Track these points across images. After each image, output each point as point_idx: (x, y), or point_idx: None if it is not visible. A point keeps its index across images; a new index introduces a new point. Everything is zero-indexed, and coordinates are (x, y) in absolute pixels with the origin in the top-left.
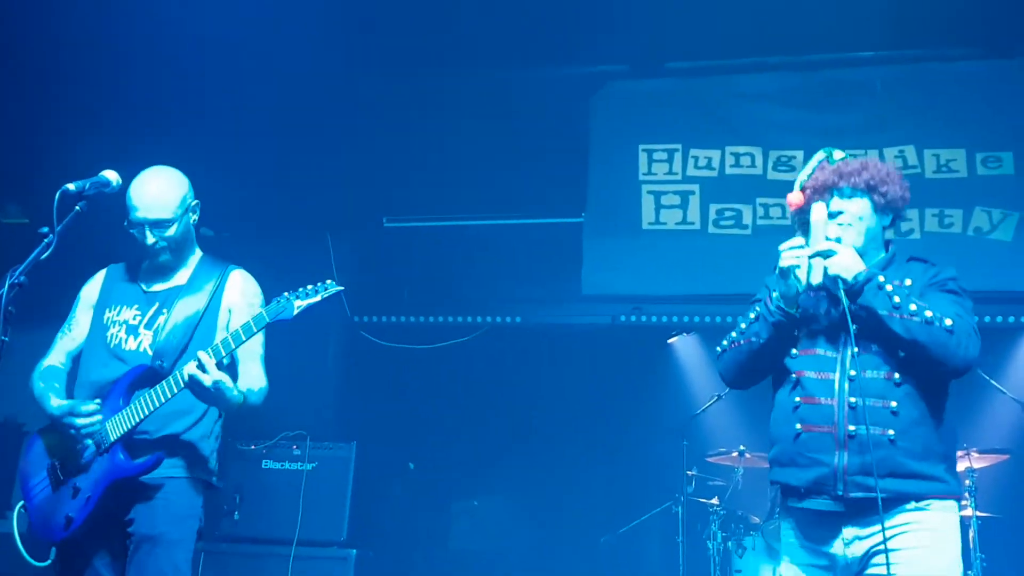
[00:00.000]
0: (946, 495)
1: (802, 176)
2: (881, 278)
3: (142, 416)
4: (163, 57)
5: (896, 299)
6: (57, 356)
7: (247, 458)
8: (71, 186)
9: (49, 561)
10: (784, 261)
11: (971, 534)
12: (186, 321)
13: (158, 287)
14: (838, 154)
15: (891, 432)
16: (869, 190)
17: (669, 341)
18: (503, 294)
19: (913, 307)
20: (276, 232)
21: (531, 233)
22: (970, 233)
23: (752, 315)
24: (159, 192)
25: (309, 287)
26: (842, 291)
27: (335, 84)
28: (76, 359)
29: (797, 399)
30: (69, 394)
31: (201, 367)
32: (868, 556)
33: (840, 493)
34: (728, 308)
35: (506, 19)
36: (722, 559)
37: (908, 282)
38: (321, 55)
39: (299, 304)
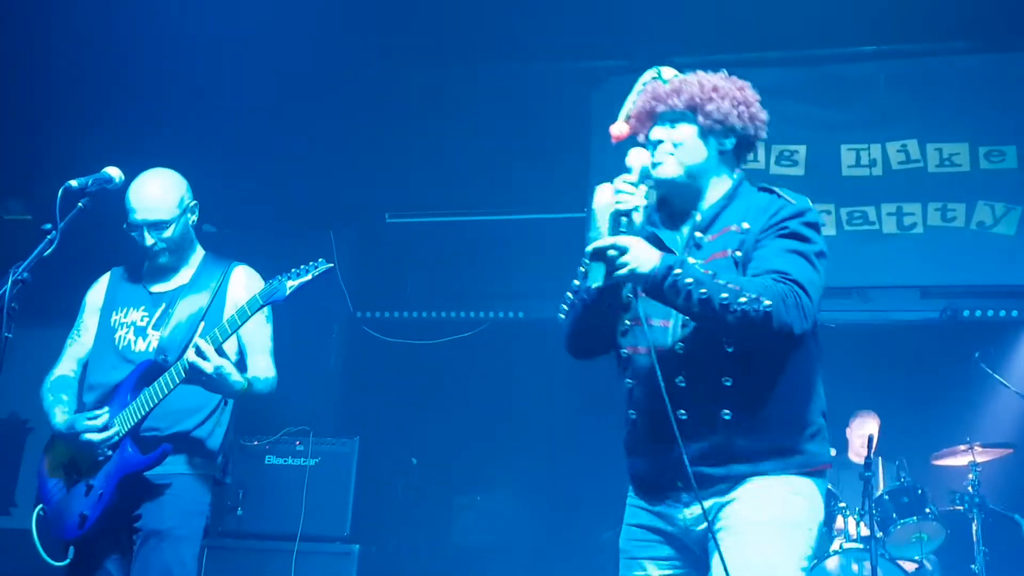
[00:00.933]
0: (803, 469)
1: (628, 104)
2: (679, 270)
3: (148, 409)
4: (166, 53)
5: (702, 291)
6: (67, 364)
7: (250, 454)
8: (74, 183)
9: (68, 560)
10: (605, 200)
11: (974, 527)
12: (190, 318)
13: (162, 287)
14: (668, 72)
15: (726, 412)
16: (692, 111)
17: None
18: (506, 289)
19: (724, 295)
20: (279, 228)
21: (534, 228)
22: (973, 227)
23: (581, 268)
24: (156, 194)
25: (301, 267)
26: (638, 291)
27: (337, 80)
28: (86, 365)
29: (629, 380)
30: (79, 400)
31: (200, 354)
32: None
33: (680, 485)
34: None
35: (508, 14)
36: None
37: (746, 225)
38: (323, 50)
39: (291, 284)
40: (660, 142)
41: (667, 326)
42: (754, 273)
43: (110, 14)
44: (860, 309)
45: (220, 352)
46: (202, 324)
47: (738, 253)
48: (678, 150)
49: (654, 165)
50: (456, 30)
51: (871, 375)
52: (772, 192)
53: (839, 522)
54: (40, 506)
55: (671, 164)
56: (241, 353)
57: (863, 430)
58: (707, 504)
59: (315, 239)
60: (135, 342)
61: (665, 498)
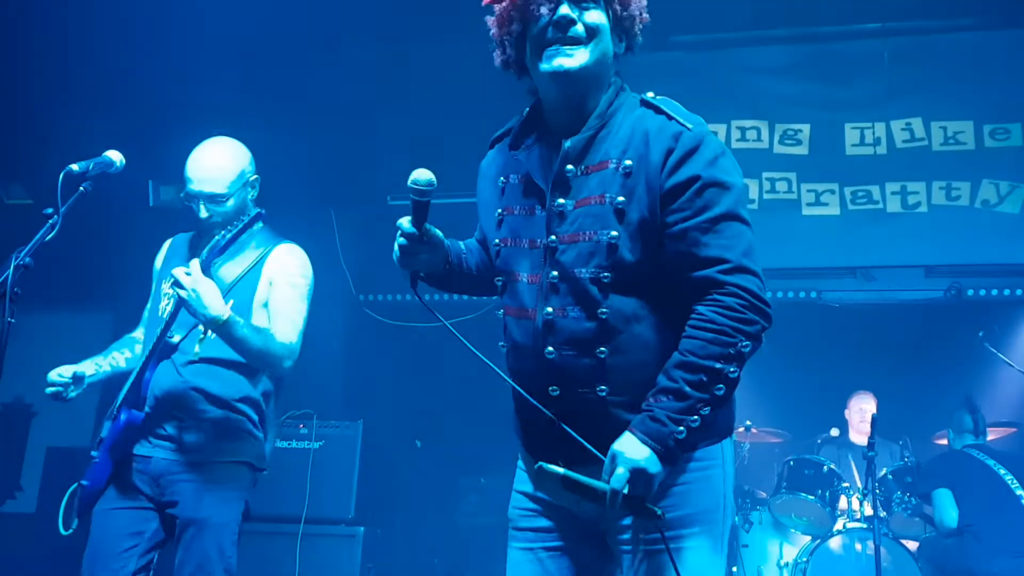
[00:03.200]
0: (702, 444)
1: None
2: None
3: (137, 373)
4: (166, 37)
5: (693, 420)
6: (140, 329)
7: None
8: (75, 167)
9: (70, 530)
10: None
11: None
12: (241, 289)
13: (212, 259)
14: None
15: (602, 388)
16: None
17: None
18: None
19: (705, 398)
20: (280, 209)
21: None
22: (978, 206)
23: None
24: (216, 165)
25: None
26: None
27: (341, 58)
28: None
29: (503, 345)
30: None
31: (186, 273)
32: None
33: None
34: None
35: None
36: (730, 534)
37: (628, 163)
38: (327, 27)
39: (228, 235)
40: (570, 21)
41: (538, 286)
42: (683, 262)
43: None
44: (864, 289)
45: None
46: (230, 300)
47: (620, 200)
48: (594, 38)
49: (560, 51)
50: (461, 8)
51: (876, 354)
52: (658, 110)
53: (842, 502)
54: (78, 482)
55: (582, 53)
56: (266, 315)
57: (863, 408)
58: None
59: (317, 221)
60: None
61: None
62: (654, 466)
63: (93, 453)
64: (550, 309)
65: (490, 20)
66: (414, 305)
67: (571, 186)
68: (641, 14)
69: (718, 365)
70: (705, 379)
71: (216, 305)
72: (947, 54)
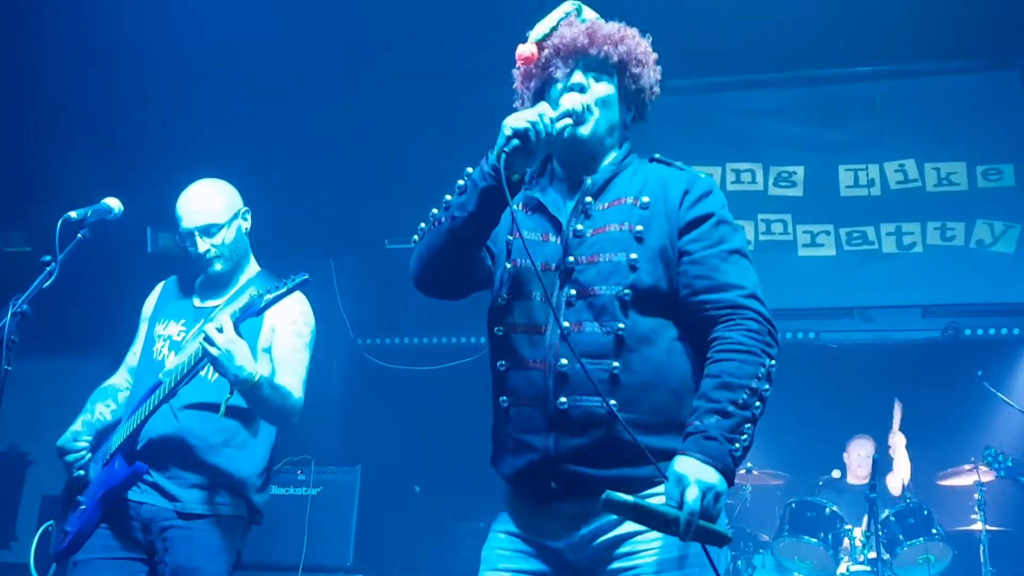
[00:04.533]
0: None
1: (542, 28)
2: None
3: (140, 421)
4: (164, 84)
5: (744, 438)
6: (121, 375)
7: None
8: (73, 214)
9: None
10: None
11: (980, 547)
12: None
13: (210, 303)
14: (589, 13)
15: (613, 402)
16: (621, 68)
17: None
18: None
19: (747, 416)
20: (278, 255)
21: None
22: (972, 245)
23: (461, 182)
24: (205, 198)
25: (280, 281)
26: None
27: (336, 106)
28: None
29: (502, 364)
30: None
31: (218, 330)
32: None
33: (553, 486)
34: None
35: (506, 38)
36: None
37: (645, 199)
38: (321, 76)
39: (268, 297)
40: (582, 89)
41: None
42: (703, 285)
43: (109, 45)
44: (862, 329)
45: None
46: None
47: (639, 228)
48: (600, 107)
49: (575, 115)
50: (454, 55)
51: (875, 394)
52: (668, 164)
53: (845, 543)
54: (50, 522)
55: (592, 121)
56: (272, 373)
57: (861, 453)
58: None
59: (315, 266)
60: (168, 357)
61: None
62: (723, 485)
63: (80, 498)
64: (567, 323)
65: (516, 74)
66: (411, 348)
67: (590, 215)
68: (652, 88)
69: (754, 384)
70: (745, 398)
71: (249, 366)
72: (938, 96)
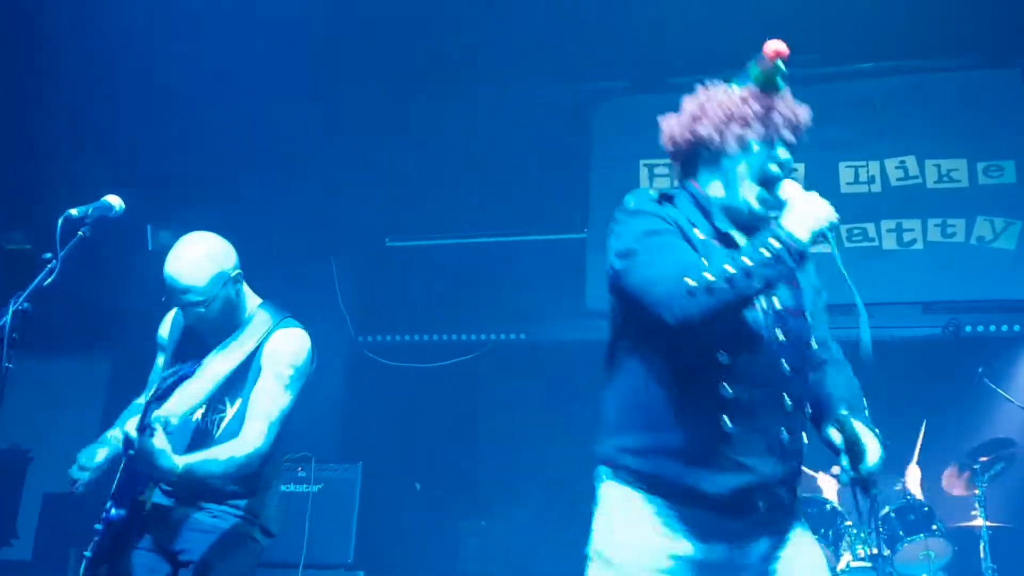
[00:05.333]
0: None
1: (778, 72)
2: None
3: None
4: (165, 83)
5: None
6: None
7: None
8: (74, 212)
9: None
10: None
11: (981, 544)
12: (213, 379)
13: (213, 342)
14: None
15: (808, 409)
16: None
17: None
18: (507, 311)
19: None
20: (279, 254)
21: (534, 249)
22: (973, 242)
23: (766, 253)
24: (191, 271)
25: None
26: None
27: (336, 105)
28: None
29: (728, 389)
30: None
31: (128, 440)
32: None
33: (761, 505)
34: None
35: (508, 36)
36: None
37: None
38: (322, 76)
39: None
40: (790, 163)
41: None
42: (827, 345)
43: (110, 45)
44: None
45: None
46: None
47: (818, 286)
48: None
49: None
50: (454, 54)
51: (875, 391)
52: None
53: (845, 539)
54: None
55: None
56: (242, 414)
57: None
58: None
59: (316, 264)
60: (172, 397)
61: (739, 522)
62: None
63: (97, 527)
64: (788, 364)
65: (716, 104)
66: (412, 345)
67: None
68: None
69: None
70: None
71: (165, 462)
72: (939, 93)
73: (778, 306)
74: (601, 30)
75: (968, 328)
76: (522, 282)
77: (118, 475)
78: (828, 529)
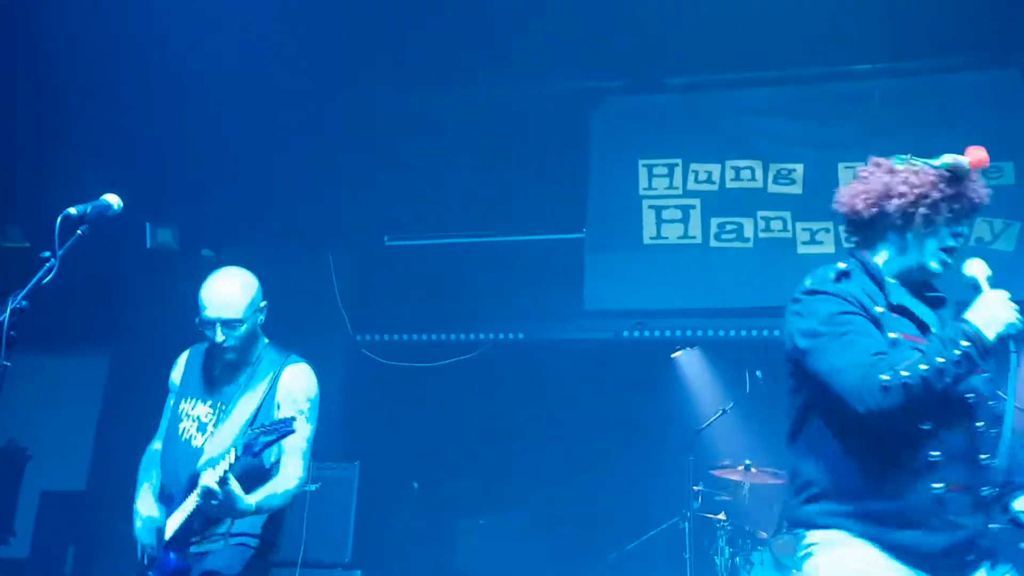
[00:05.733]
0: None
1: (963, 163)
2: None
3: (182, 520)
4: (165, 80)
5: None
6: (159, 440)
7: None
8: (73, 210)
9: None
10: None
11: None
12: (241, 422)
13: (226, 383)
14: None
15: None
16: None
17: (673, 356)
18: (505, 311)
19: None
20: (277, 251)
21: (532, 249)
22: (972, 243)
23: (957, 352)
24: (230, 293)
25: (271, 425)
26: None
27: (336, 102)
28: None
29: (935, 454)
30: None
31: (210, 492)
32: None
33: (970, 558)
34: (731, 322)
35: (506, 35)
36: (730, 574)
37: None
38: (322, 73)
39: (264, 440)
40: (967, 234)
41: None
42: None
43: (109, 42)
44: None
45: (252, 468)
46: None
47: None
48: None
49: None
50: (454, 51)
51: None
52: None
53: None
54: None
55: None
56: (278, 454)
57: None
58: None
59: (314, 262)
60: (196, 436)
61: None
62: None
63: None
64: (980, 423)
65: (906, 184)
66: (410, 344)
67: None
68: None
69: None
70: None
71: (242, 505)
72: (938, 94)
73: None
74: (599, 30)
75: None
76: (520, 282)
77: (175, 528)
78: None
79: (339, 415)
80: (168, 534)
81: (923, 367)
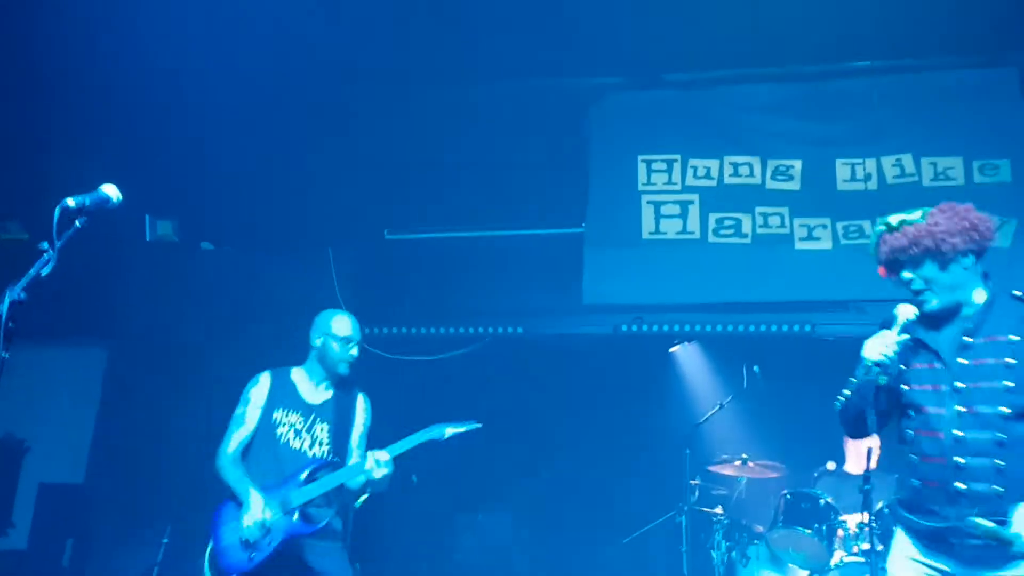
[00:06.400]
0: None
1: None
2: None
3: (319, 493)
4: (164, 73)
5: None
6: (233, 444)
7: None
8: (71, 201)
9: None
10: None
11: None
12: (346, 429)
13: (313, 399)
14: (894, 220)
15: (998, 488)
16: (930, 254)
17: (671, 350)
18: (505, 305)
19: None
20: (277, 245)
21: (532, 244)
22: None
23: (854, 380)
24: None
25: (458, 422)
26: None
27: (336, 97)
28: (246, 447)
29: (914, 457)
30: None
31: (380, 463)
32: None
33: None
34: (729, 317)
35: (505, 32)
36: (727, 568)
37: (1014, 337)
38: (321, 69)
39: (449, 431)
40: (911, 281)
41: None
42: None
43: (108, 38)
44: (857, 323)
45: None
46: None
47: (1011, 361)
48: (931, 285)
49: (918, 301)
50: (453, 48)
51: None
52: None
53: (839, 534)
54: (211, 544)
55: (928, 298)
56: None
57: (859, 443)
58: None
59: (314, 256)
60: (292, 440)
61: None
62: None
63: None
64: (959, 432)
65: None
66: (409, 338)
67: (969, 348)
68: (967, 239)
69: None
70: None
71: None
72: (936, 91)
73: (959, 385)
74: (598, 26)
75: None
76: (520, 277)
77: (302, 500)
78: (822, 524)
79: None
80: (294, 504)
81: (847, 390)
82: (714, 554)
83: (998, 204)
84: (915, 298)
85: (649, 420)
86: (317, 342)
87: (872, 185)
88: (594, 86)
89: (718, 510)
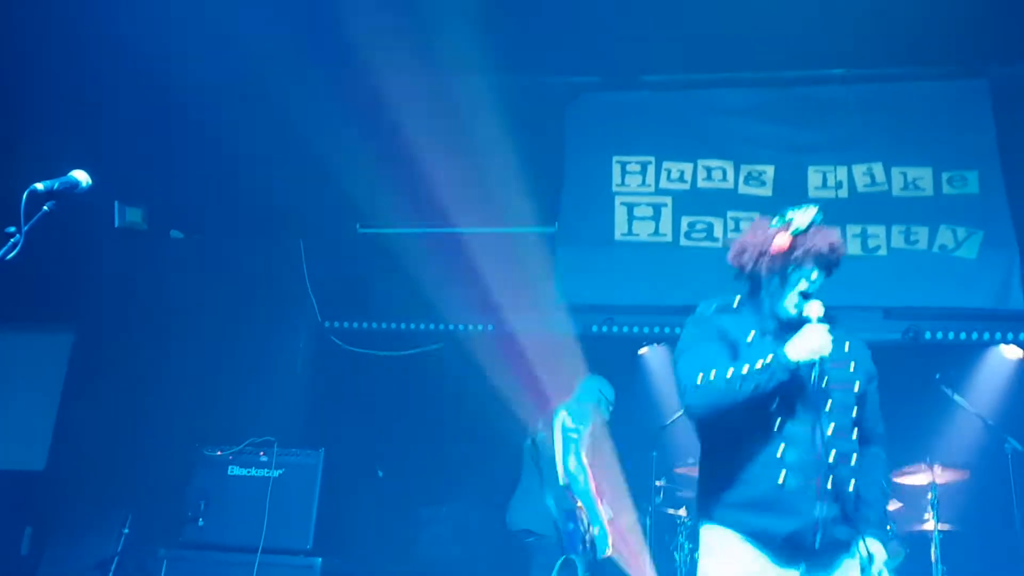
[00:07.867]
0: None
1: (799, 223)
2: None
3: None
4: (135, 60)
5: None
6: None
7: (213, 464)
8: (39, 185)
9: None
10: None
11: (932, 547)
12: None
13: None
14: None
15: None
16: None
17: (640, 352)
18: (475, 302)
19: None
20: (248, 236)
21: (504, 242)
22: (935, 250)
23: (759, 365)
24: None
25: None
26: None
27: (310, 89)
28: None
29: (781, 457)
30: None
31: None
32: None
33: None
34: None
35: (481, 27)
36: (688, 570)
37: (852, 366)
38: (296, 60)
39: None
40: (814, 285)
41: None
42: (870, 424)
43: (82, 20)
44: None
45: None
46: None
47: (856, 390)
48: (812, 292)
49: (810, 302)
50: (429, 43)
51: None
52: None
53: None
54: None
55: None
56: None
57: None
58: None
59: (285, 248)
60: None
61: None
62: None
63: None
64: (828, 407)
65: (752, 241)
66: (378, 333)
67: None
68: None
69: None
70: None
71: None
72: (908, 102)
73: (825, 383)
74: (576, 25)
75: (928, 334)
76: (490, 274)
77: None
78: None
79: (305, 401)
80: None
81: (730, 372)
82: (677, 555)
83: (966, 215)
84: (803, 300)
85: (616, 421)
86: None
87: (843, 193)
88: (571, 85)
89: (682, 512)
